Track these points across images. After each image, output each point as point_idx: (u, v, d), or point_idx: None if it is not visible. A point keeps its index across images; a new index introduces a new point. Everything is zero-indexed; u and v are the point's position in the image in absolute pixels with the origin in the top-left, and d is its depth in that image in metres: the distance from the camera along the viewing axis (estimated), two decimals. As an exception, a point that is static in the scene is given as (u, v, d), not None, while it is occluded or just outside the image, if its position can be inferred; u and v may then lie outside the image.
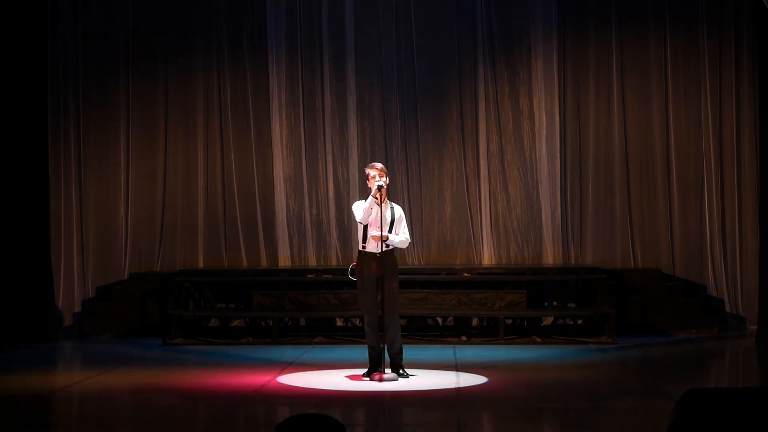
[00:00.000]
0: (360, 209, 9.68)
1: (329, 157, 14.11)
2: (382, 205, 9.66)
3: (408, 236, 9.87)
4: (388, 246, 9.70)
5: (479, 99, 14.09)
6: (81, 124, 14.22)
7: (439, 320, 13.59)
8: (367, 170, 9.78)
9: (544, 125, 14.05)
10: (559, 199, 14.04)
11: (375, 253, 9.65)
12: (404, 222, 9.86)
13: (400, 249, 10.22)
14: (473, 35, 14.08)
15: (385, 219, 9.68)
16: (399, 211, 9.88)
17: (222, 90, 14.23)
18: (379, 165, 9.82)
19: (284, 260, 14.10)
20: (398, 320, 9.88)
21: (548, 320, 13.51)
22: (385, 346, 9.71)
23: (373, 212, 9.61)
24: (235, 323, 13.61)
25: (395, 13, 14.11)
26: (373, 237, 9.62)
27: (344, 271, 13.36)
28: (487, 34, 14.07)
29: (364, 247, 9.74)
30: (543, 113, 14.05)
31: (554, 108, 14.06)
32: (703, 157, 14.04)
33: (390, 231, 9.72)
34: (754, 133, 13.79)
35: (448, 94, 14.15)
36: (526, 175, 14.07)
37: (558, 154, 14.05)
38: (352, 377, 9.92)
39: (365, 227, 9.70)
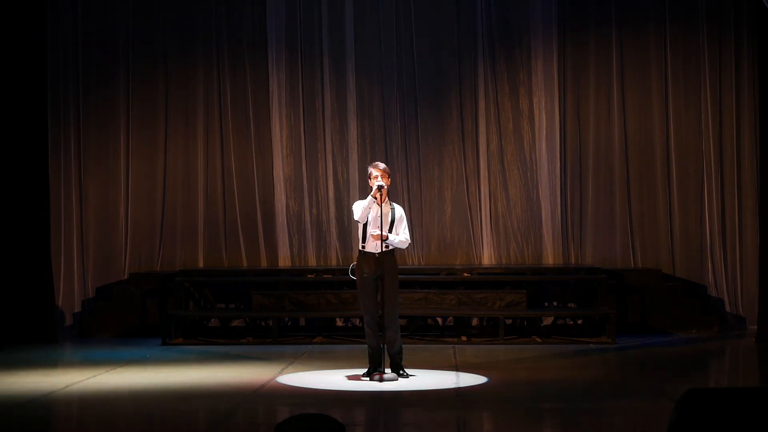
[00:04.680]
0: (359, 208, 9.66)
1: (329, 157, 14.11)
2: (383, 204, 9.65)
3: (408, 237, 9.84)
4: (387, 246, 9.69)
5: (479, 99, 14.10)
6: (81, 124, 14.23)
7: (439, 320, 13.59)
8: (370, 169, 9.76)
9: (544, 125, 14.06)
10: (559, 199, 14.04)
11: (374, 253, 9.64)
12: (405, 222, 9.83)
13: (400, 249, 10.19)
14: (473, 35, 14.08)
15: (386, 218, 9.67)
16: (400, 211, 9.86)
17: (222, 90, 14.23)
18: (383, 165, 9.78)
19: (284, 260, 14.10)
20: (398, 320, 9.86)
21: (548, 320, 13.51)
22: (385, 346, 9.70)
23: (372, 212, 9.60)
24: (235, 323, 13.61)
25: (395, 13, 14.11)
26: (373, 236, 9.61)
27: (344, 271, 13.41)
28: (487, 34, 14.07)
29: (363, 247, 9.72)
30: (543, 113, 14.06)
31: (554, 108, 14.07)
32: (703, 157, 14.05)
33: (390, 231, 9.70)
34: (754, 133, 13.79)
35: (448, 94, 14.15)
36: (526, 175, 14.07)
37: (558, 154, 14.06)
38: (352, 377, 9.91)
39: (365, 227, 9.69)
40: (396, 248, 9.82)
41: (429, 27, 14.14)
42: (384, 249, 9.64)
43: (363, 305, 9.77)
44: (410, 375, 9.84)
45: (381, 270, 9.62)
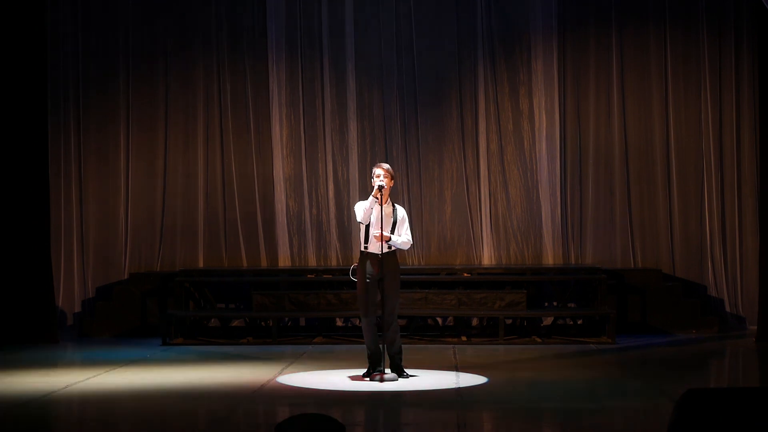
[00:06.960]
0: (360, 209, 9.68)
1: (329, 158, 14.11)
2: (384, 205, 9.65)
3: (410, 238, 9.85)
4: (390, 247, 9.70)
5: (479, 99, 14.10)
6: (81, 124, 14.23)
7: (439, 320, 13.60)
8: (374, 169, 9.78)
9: (544, 125, 14.06)
10: (559, 199, 14.04)
11: (377, 254, 9.64)
12: (407, 223, 9.84)
13: (402, 250, 10.20)
14: (473, 35, 14.08)
15: (388, 219, 9.68)
16: (402, 212, 9.87)
17: (222, 90, 14.24)
18: (386, 166, 9.78)
19: (284, 260, 14.11)
20: (397, 320, 9.86)
21: (548, 320, 13.51)
22: (385, 346, 9.70)
23: (374, 212, 9.60)
24: (235, 323, 13.62)
25: (395, 12, 14.11)
26: (375, 237, 9.61)
27: (344, 272, 13.41)
28: (487, 35, 14.07)
29: (366, 248, 9.70)
30: (543, 113, 14.06)
31: (554, 108, 14.07)
32: (703, 157, 14.05)
33: (392, 232, 9.71)
34: (754, 133, 13.79)
35: (448, 94, 14.15)
36: (526, 175, 14.07)
37: (558, 154, 14.06)
38: (352, 377, 9.91)
39: (367, 227, 9.68)
40: (398, 249, 9.82)
41: (429, 27, 14.14)
42: (386, 250, 9.65)
43: (362, 307, 9.75)
44: (410, 375, 9.85)
45: (383, 271, 9.63)
